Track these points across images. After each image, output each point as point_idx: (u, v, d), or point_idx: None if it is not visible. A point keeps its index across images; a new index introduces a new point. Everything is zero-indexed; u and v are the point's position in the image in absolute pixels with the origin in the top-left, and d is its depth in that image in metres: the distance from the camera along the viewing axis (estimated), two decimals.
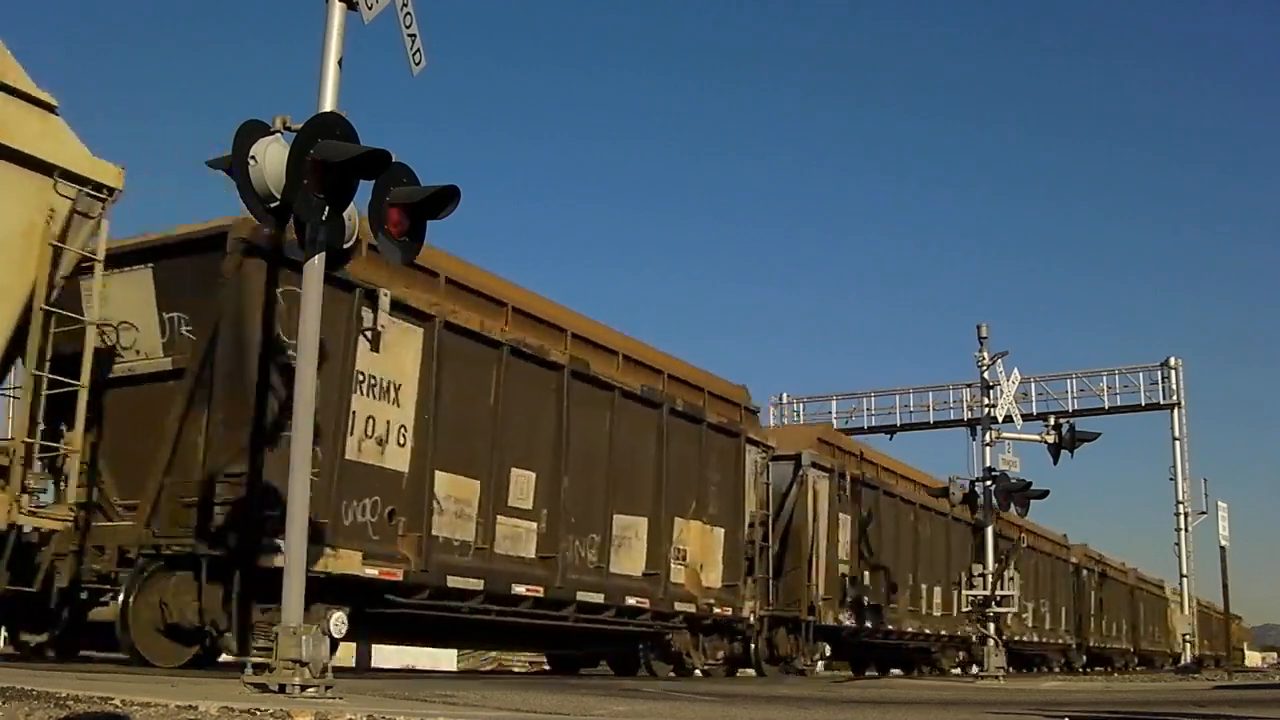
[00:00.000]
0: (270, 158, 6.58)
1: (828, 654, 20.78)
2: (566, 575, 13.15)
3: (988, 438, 19.79)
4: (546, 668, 20.10)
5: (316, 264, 6.74)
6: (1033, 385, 37.25)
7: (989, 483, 19.59)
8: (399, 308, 10.86)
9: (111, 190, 8.94)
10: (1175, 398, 39.22)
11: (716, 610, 15.99)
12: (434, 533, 11.36)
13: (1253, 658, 75.42)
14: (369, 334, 10.48)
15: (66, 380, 8.72)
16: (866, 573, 21.31)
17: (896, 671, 25.99)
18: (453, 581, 11.56)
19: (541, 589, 12.75)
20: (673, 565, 15.09)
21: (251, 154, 6.58)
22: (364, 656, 22.65)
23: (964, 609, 20.87)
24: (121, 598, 9.39)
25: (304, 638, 6.15)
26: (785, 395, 42.42)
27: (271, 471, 9.16)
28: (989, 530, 19.95)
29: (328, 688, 6.16)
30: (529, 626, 13.29)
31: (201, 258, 9.94)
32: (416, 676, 14.06)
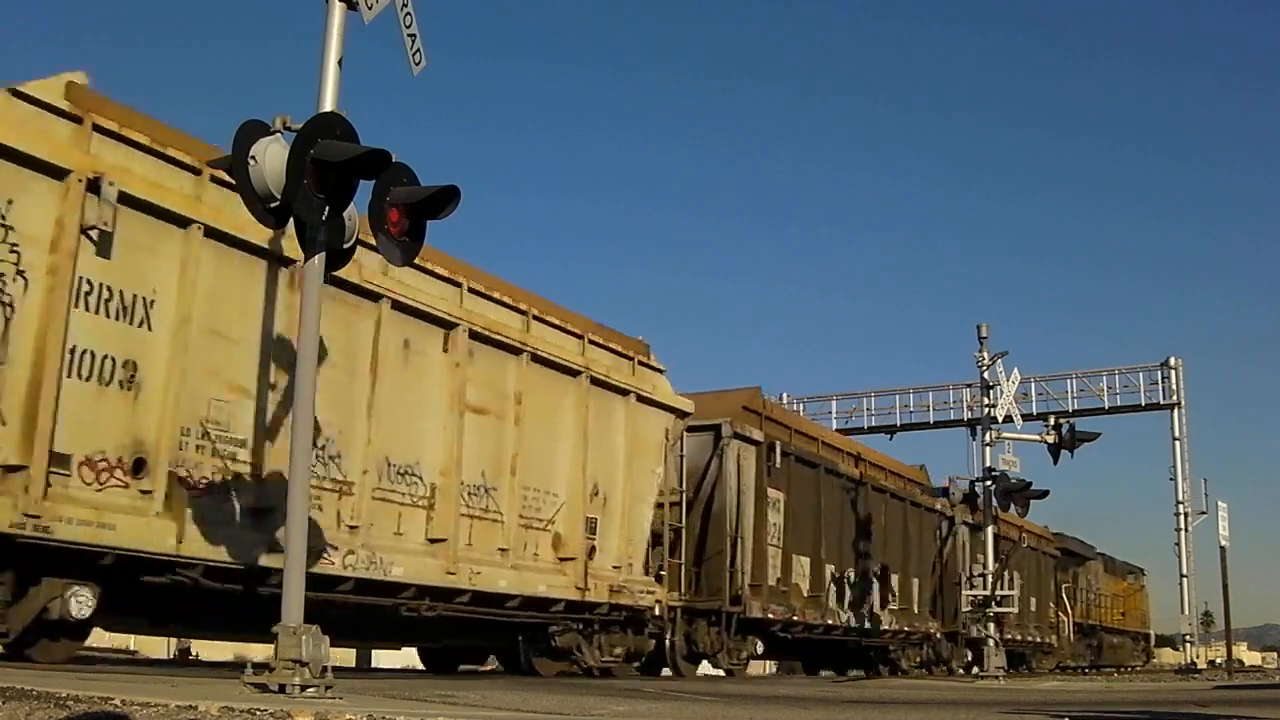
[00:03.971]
0: (270, 158, 6.56)
1: (969, 658, 25.43)
2: (859, 614, 20.64)
3: (988, 438, 19.79)
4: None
5: (316, 264, 6.73)
6: (1033, 385, 37.33)
7: (989, 483, 19.59)
8: (784, 452, 18.25)
9: (688, 414, 15.35)
10: (1175, 398, 39.23)
11: (924, 631, 23.99)
12: (795, 588, 18.54)
13: (1252, 658, 75.39)
14: (769, 468, 17.75)
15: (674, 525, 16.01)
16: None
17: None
18: (804, 619, 18.73)
19: (843, 624, 20.21)
20: (915, 600, 23.50)
21: (251, 154, 6.56)
22: (364, 658, 22.65)
23: (965, 609, 21.07)
24: (668, 638, 15.70)
25: (304, 638, 6.10)
26: (785, 395, 42.42)
27: (739, 559, 16.70)
28: (989, 530, 19.98)
29: (328, 688, 6.12)
30: (824, 644, 21.23)
31: (703, 436, 16.79)
32: (416, 676, 14.10)
